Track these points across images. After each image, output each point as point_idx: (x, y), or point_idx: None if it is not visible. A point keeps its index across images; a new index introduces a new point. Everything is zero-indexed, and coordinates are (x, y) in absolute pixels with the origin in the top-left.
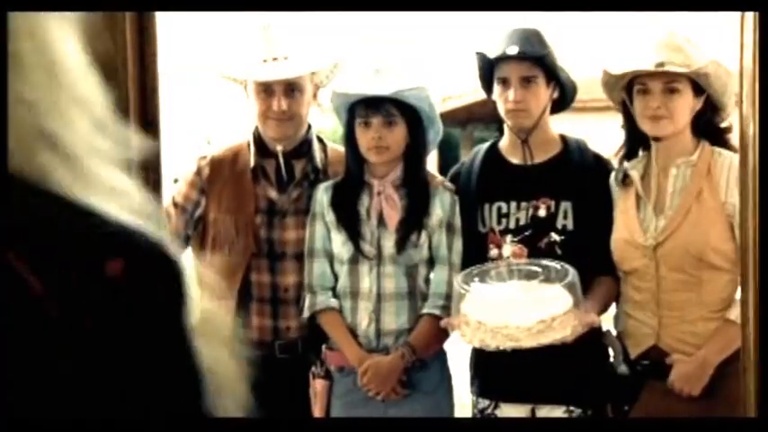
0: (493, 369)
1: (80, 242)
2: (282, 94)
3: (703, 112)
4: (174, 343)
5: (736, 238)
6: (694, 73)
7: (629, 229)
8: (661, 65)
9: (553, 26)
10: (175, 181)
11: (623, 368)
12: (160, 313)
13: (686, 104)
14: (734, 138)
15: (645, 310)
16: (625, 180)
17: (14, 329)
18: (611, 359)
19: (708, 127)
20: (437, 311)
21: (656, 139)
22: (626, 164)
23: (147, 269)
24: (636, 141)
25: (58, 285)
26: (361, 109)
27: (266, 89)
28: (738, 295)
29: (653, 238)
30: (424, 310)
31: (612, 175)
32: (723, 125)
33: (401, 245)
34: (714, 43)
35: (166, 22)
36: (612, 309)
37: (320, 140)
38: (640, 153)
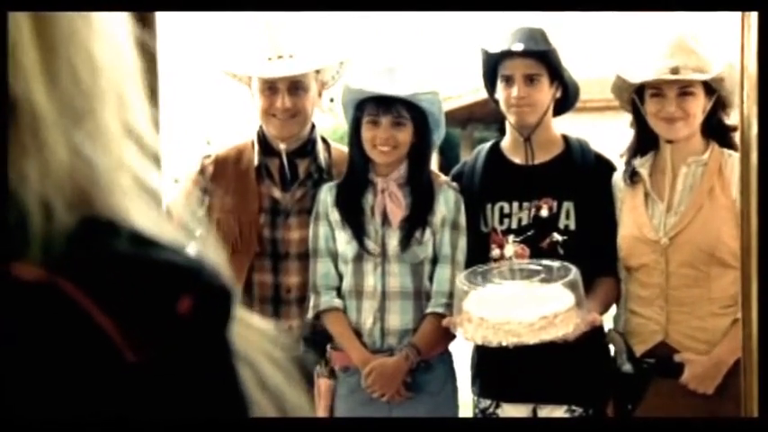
0: (494, 369)
1: (153, 280)
2: (287, 92)
3: (713, 112)
4: (232, 378)
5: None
6: (711, 79)
7: (638, 225)
8: (676, 70)
9: (552, 27)
10: (176, 181)
11: (628, 366)
12: (221, 348)
13: (700, 106)
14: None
15: (652, 306)
16: (633, 178)
17: (93, 378)
18: (616, 358)
19: (717, 126)
20: (441, 310)
21: (670, 141)
22: (635, 162)
23: (212, 304)
24: (645, 141)
25: (135, 329)
26: (371, 107)
27: (271, 87)
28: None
29: (664, 235)
30: (428, 309)
31: (619, 173)
32: (729, 123)
33: (405, 242)
34: (715, 43)
35: (166, 22)
36: (612, 309)
37: (324, 140)
38: (648, 152)
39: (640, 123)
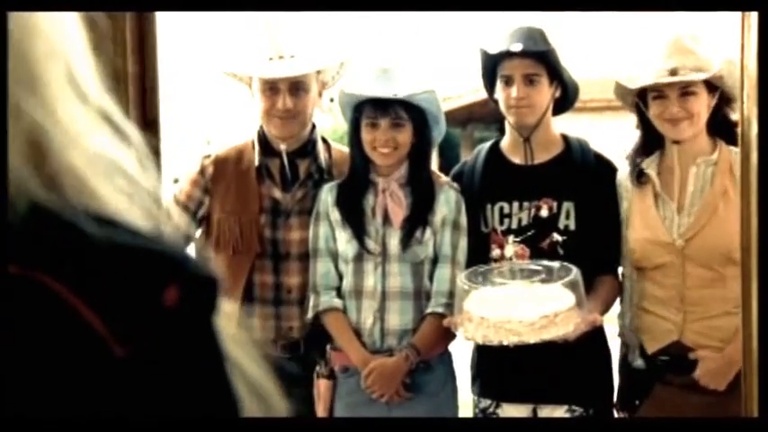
0: (494, 369)
1: (138, 270)
2: (288, 93)
3: (718, 108)
4: (221, 368)
5: None
6: (711, 77)
7: (651, 228)
8: (674, 72)
9: (552, 27)
10: (175, 181)
11: (639, 362)
12: (209, 338)
13: (703, 104)
14: None
15: (668, 306)
16: (641, 179)
17: (82, 374)
18: (627, 353)
19: (723, 122)
20: (441, 309)
21: (676, 142)
22: (641, 163)
23: (199, 294)
24: (651, 142)
25: (121, 324)
26: (369, 110)
27: (272, 87)
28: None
29: (679, 237)
30: (428, 310)
31: (624, 173)
32: (736, 118)
33: (406, 242)
34: (714, 41)
35: (166, 22)
36: (616, 307)
37: (324, 140)
38: (654, 152)
39: (646, 125)
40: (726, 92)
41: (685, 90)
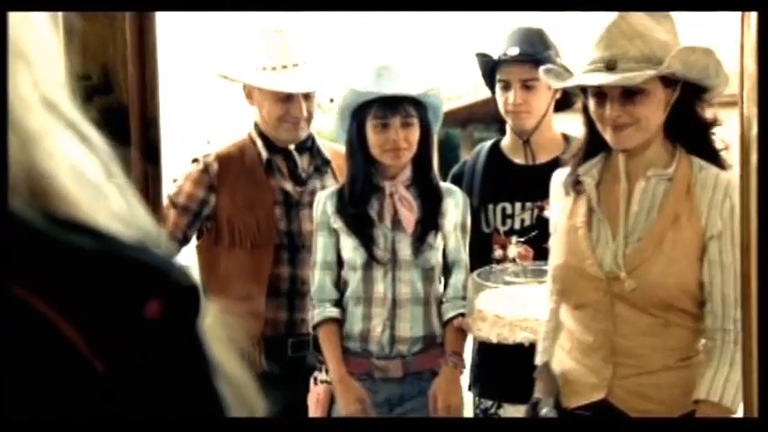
0: (495, 370)
1: (118, 285)
2: (303, 100)
3: (681, 104)
4: (206, 379)
5: (704, 274)
6: (662, 73)
7: (577, 254)
8: (612, 64)
9: (552, 26)
10: (175, 180)
11: (552, 414)
12: (192, 347)
13: (656, 104)
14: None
15: (595, 356)
16: (576, 186)
17: (63, 391)
18: (537, 401)
19: (685, 122)
20: (464, 310)
21: (623, 150)
22: (579, 168)
23: (181, 306)
24: (596, 143)
25: (101, 338)
26: (377, 110)
27: (285, 95)
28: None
29: (611, 270)
30: (451, 314)
31: (560, 177)
32: (705, 117)
33: (417, 246)
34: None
35: (166, 22)
36: None
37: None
38: (597, 155)
39: (589, 122)
40: (690, 84)
41: (629, 87)
